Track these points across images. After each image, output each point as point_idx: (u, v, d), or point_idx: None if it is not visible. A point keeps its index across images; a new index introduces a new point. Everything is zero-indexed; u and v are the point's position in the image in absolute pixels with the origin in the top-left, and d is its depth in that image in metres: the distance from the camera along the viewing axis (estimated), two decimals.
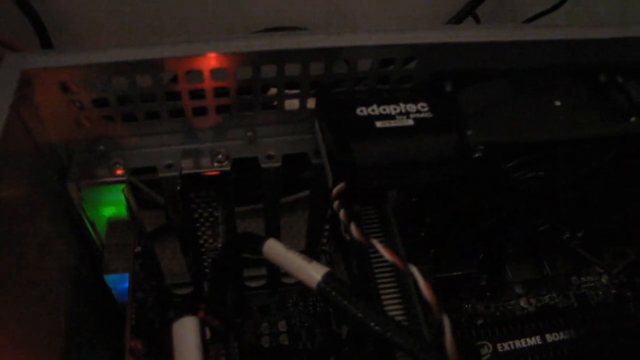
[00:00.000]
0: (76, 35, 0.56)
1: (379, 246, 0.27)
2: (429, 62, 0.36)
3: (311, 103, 0.38)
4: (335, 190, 0.32)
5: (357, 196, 0.35)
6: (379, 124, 0.34)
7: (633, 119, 0.38)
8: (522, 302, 0.52)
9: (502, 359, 0.45)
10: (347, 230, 0.28)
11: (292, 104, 0.38)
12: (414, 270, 0.25)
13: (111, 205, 0.40)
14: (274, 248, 0.33)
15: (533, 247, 0.49)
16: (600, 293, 0.54)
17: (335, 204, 0.30)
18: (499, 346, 0.45)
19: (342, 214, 0.29)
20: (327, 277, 0.30)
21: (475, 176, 0.36)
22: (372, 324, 0.29)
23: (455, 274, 0.48)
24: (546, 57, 0.38)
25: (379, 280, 0.33)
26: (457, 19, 0.58)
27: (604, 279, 0.54)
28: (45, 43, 0.49)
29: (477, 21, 0.59)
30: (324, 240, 0.46)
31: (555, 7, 0.57)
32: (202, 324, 0.35)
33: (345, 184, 0.32)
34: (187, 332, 0.31)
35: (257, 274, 0.51)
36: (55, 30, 0.52)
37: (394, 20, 0.62)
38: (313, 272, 0.31)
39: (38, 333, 0.35)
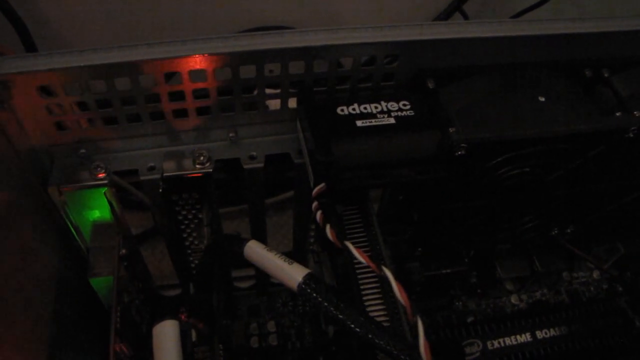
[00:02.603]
0: (61, 40, 0.56)
1: (353, 249, 0.27)
2: (411, 59, 0.36)
3: (293, 102, 0.38)
4: (315, 191, 0.32)
5: (339, 196, 0.35)
6: (359, 123, 0.33)
7: (619, 113, 0.37)
8: (513, 299, 0.52)
9: (492, 356, 0.45)
10: (323, 232, 0.28)
11: (275, 104, 0.38)
12: (388, 273, 0.25)
13: (95, 208, 0.40)
14: (255, 250, 0.33)
15: (522, 243, 0.48)
16: (592, 288, 0.53)
17: (314, 205, 0.30)
18: (488, 344, 0.45)
19: (319, 215, 0.29)
20: (307, 279, 0.30)
21: (459, 173, 0.36)
22: (352, 325, 0.29)
23: (444, 271, 0.48)
24: (530, 52, 0.38)
25: (362, 281, 0.33)
26: (445, 16, 0.58)
27: (595, 274, 0.54)
28: (29, 47, 0.49)
29: (465, 17, 0.58)
30: (312, 240, 0.46)
31: (543, 2, 0.57)
32: (187, 327, 0.35)
33: (326, 184, 0.32)
34: (166, 336, 0.31)
35: (245, 275, 0.51)
36: (41, 34, 0.52)
37: (384, 18, 0.62)
38: (294, 274, 0.31)
39: (22, 336, 0.35)
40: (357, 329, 0.28)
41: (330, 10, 0.61)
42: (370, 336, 0.28)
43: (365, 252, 0.34)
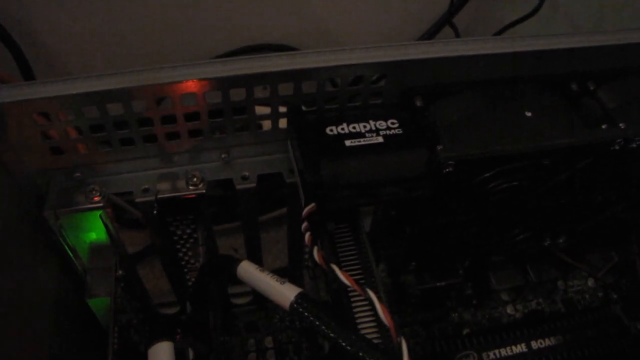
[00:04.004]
0: (58, 65, 0.57)
1: (338, 272, 0.27)
2: (398, 78, 0.37)
3: (285, 122, 0.38)
4: (305, 211, 0.32)
5: (329, 215, 0.35)
6: (348, 142, 0.34)
7: (604, 126, 0.38)
8: (509, 309, 0.52)
9: None
10: (311, 253, 0.29)
11: (267, 124, 0.39)
12: (372, 295, 0.25)
13: (91, 230, 0.40)
14: (247, 271, 0.33)
15: (515, 254, 0.49)
16: (587, 296, 0.54)
17: (303, 226, 0.30)
18: (484, 355, 0.45)
19: (307, 237, 0.30)
20: (299, 298, 0.31)
21: (449, 190, 0.37)
22: (343, 343, 0.29)
23: (439, 284, 0.48)
24: (516, 68, 0.38)
25: (353, 297, 0.33)
26: (435, 29, 0.58)
27: (590, 282, 0.54)
28: (27, 74, 0.50)
29: (455, 30, 0.59)
30: (307, 256, 0.47)
31: (532, 13, 0.57)
32: (182, 347, 0.35)
33: (316, 204, 0.33)
34: (161, 357, 0.31)
35: (243, 291, 0.52)
36: (38, 60, 0.53)
37: (376, 32, 0.63)
38: (286, 293, 0.31)
39: (21, 358, 0.36)
40: (349, 347, 0.29)
41: (323, 25, 0.62)
42: (361, 354, 0.29)
43: (357, 270, 0.34)
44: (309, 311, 0.30)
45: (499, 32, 0.59)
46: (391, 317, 0.25)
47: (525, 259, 0.51)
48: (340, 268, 0.28)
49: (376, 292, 0.26)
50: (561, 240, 0.47)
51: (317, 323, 0.30)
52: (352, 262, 0.36)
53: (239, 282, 0.36)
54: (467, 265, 0.49)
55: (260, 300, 0.52)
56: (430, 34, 0.60)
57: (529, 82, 0.39)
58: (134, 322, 0.43)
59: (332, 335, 0.29)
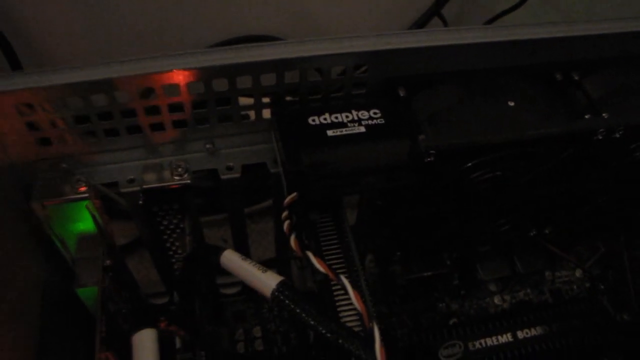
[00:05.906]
0: (46, 56, 0.57)
1: (312, 259, 0.27)
2: (381, 68, 0.37)
3: (268, 113, 0.38)
4: (286, 200, 0.32)
5: (312, 204, 0.36)
6: (330, 132, 0.34)
7: (588, 116, 0.38)
8: (496, 300, 0.52)
9: (473, 357, 0.45)
10: (288, 242, 0.29)
11: (253, 114, 0.39)
12: (345, 281, 0.26)
13: (79, 221, 0.40)
14: (230, 259, 0.33)
15: (502, 245, 0.49)
16: (575, 287, 0.54)
17: (283, 215, 0.31)
18: (470, 345, 0.46)
19: (285, 225, 0.30)
20: (281, 286, 0.31)
21: (432, 179, 0.37)
22: (323, 330, 0.29)
23: (426, 274, 0.49)
24: (499, 58, 0.38)
25: (336, 287, 0.34)
26: (423, 21, 0.58)
27: (578, 273, 0.54)
28: (14, 64, 0.50)
29: (444, 21, 0.59)
30: None
31: (520, 4, 0.57)
32: (168, 335, 0.36)
33: (298, 194, 0.33)
34: (144, 345, 0.32)
35: (232, 281, 0.52)
36: (26, 51, 0.53)
37: (364, 24, 0.63)
38: (268, 281, 0.32)
39: (10, 347, 0.36)
40: (328, 335, 0.29)
41: (311, 17, 0.62)
42: (340, 341, 0.29)
43: (340, 259, 0.35)
44: (290, 299, 0.31)
45: (488, 23, 0.59)
46: (363, 303, 0.25)
47: (513, 249, 0.51)
48: (316, 255, 0.28)
49: (352, 279, 0.26)
50: (547, 231, 0.47)
51: (298, 311, 0.30)
52: (335, 252, 0.36)
53: (225, 272, 0.36)
54: (455, 255, 0.50)
55: (249, 290, 0.52)
56: (418, 25, 0.60)
57: (513, 72, 0.39)
58: (123, 311, 0.44)
59: (312, 323, 0.30)
